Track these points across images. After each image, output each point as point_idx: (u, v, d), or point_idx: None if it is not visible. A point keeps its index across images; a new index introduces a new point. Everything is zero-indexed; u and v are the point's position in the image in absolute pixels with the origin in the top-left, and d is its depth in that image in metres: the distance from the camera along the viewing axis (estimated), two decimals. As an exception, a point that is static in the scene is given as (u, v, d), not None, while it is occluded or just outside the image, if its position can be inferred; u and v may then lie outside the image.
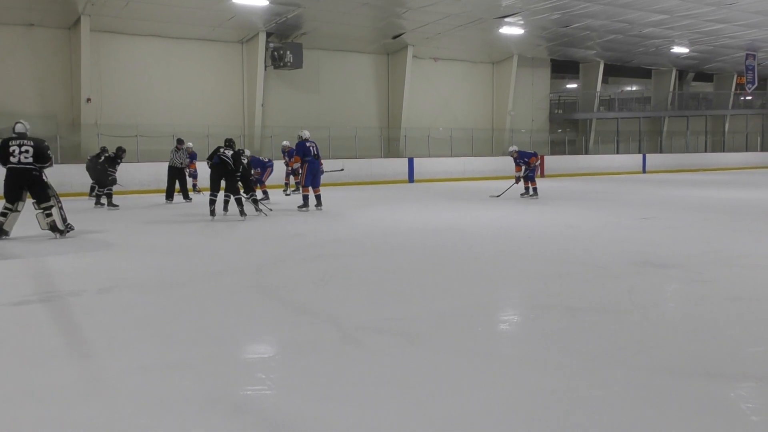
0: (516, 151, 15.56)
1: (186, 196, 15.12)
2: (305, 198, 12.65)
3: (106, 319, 4.81)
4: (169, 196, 14.91)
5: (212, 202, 11.45)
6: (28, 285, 6.02)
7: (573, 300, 5.28)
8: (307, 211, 12.52)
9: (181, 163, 15.02)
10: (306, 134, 12.91)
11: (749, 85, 31.44)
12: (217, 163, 11.25)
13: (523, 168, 15.43)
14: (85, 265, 7.22)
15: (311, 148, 12.63)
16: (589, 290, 5.69)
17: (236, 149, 11.54)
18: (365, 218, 11.59)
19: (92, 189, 15.02)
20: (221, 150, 11.34)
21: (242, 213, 11.26)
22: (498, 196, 15.69)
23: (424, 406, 3.12)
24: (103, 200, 13.86)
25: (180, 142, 15.43)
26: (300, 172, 12.52)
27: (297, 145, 12.84)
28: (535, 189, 15.47)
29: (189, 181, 15.61)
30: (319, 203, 12.71)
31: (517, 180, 15.69)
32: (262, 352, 4.16)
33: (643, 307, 5.02)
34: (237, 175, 11.36)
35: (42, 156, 9.03)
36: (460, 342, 4.17)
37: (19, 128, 9.14)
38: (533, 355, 3.93)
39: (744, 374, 3.56)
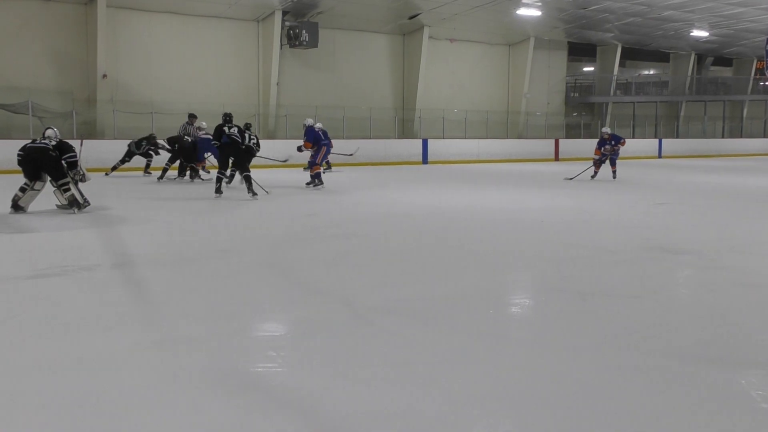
0: (609, 134, 15.71)
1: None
2: (318, 176, 12.94)
3: (119, 294, 4.86)
4: (181, 171, 14.90)
5: (219, 180, 11.44)
6: (43, 259, 6.08)
7: (584, 284, 5.27)
8: (323, 187, 12.70)
9: (192, 138, 14.82)
10: (311, 121, 13.47)
11: (769, 70, 31.02)
12: (227, 142, 11.23)
13: (602, 150, 15.60)
14: (99, 240, 7.28)
15: (321, 133, 13.09)
16: (601, 275, 5.68)
17: (238, 125, 11.49)
18: (379, 199, 11.59)
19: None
20: (226, 129, 11.28)
21: (250, 191, 11.12)
22: (572, 179, 15.73)
23: (435, 387, 3.13)
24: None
25: (192, 116, 15.39)
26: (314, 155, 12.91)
27: (307, 131, 13.08)
28: (614, 172, 15.86)
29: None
30: (319, 180, 13.11)
31: (595, 162, 15.85)
32: (273, 330, 4.19)
33: (654, 293, 5.00)
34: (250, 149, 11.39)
35: (64, 148, 9.15)
36: (471, 324, 4.18)
37: (49, 133, 9.27)
38: (543, 338, 3.93)
39: (755, 361, 3.54)
